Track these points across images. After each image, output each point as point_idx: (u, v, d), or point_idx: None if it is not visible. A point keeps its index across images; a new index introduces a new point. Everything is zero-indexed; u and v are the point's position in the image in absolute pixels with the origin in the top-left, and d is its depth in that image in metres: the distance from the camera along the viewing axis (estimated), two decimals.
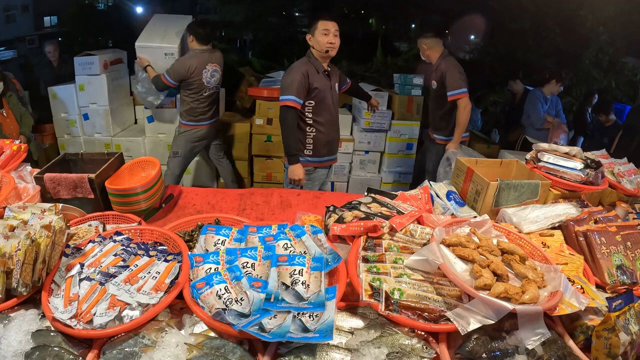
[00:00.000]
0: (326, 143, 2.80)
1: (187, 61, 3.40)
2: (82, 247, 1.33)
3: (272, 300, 1.12)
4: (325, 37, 2.59)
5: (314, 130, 2.73)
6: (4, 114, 3.57)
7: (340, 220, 1.49)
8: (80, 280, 1.18)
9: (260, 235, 1.41)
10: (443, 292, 1.20)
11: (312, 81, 2.61)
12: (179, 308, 1.20)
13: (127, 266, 1.22)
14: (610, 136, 4.53)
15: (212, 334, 1.08)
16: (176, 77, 3.39)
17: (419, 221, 1.56)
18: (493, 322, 1.08)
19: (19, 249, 1.14)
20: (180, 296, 1.16)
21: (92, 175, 1.73)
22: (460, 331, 1.07)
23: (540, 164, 1.95)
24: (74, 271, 1.19)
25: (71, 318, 1.06)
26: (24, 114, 3.78)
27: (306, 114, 2.70)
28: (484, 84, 6.56)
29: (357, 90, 3.30)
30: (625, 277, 1.43)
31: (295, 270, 1.20)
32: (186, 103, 3.53)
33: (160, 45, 3.70)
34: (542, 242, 1.55)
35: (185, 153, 3.68)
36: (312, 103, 2.68)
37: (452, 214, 1.81)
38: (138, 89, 3.90)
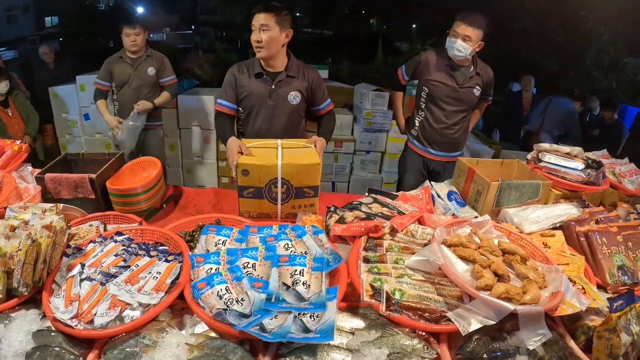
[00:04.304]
0: None
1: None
2: (83, 247, 1.33)
3: (273, 300, 1.12)
4: (253, 33, 2.05)
5: None
6: (9, 113, 3.56)
7: (341, 221, 1.49)
8: (81, 280, 1.18)
9: (261, 235, 1.40)
10: (444, 293, 1.20)
11: (240, 85, 2.15)
12: (179, 308, 1.20)
13: (128, 266, 1.22)
14: (612, 134, 4.58)
15: (213, 334, 1.08)
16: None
17: (420, 221, 1.56)
18: (494, 322, 1.08)
19: (20, 249, 1.15)
20: (181, 296, 1.16)
21: (93, 176, 1.73)
22: (461, 332, 1.06)
23: (542, 164, 1.95)
24: (74, 271, 1.20)
25: (72, 318, 1.07)
26: (31, 113, 3.76)
27: (237, 122, 2.28)
28: None
29: (323, 125, 2.32)
30: (626, 278, 1.42)
31: (296, 270, 1.20)
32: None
33: None
34: (543, 243, 1.54)
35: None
36: (240, 112, 2.23)
37: (453, 214, 1.81)
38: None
